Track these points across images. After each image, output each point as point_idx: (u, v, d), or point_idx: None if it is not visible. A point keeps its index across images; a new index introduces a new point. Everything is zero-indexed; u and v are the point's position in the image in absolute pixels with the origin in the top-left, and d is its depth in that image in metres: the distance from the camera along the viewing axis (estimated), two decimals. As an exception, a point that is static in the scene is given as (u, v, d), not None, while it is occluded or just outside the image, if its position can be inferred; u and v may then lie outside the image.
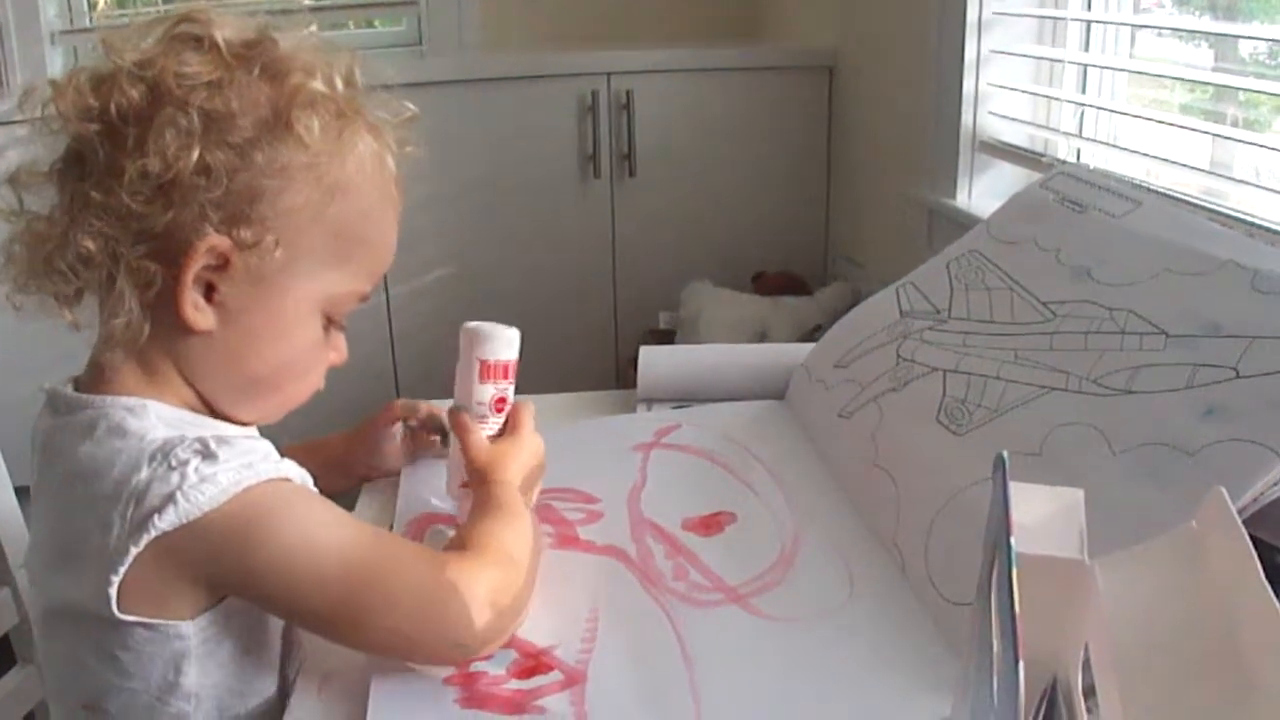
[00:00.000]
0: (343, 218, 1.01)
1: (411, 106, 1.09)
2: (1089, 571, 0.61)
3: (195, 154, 0.92)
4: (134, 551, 0.89)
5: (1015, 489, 0.63)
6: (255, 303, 0.99)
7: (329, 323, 1.07)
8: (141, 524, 0.89)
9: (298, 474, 1.00)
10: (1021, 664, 0.51)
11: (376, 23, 4.20)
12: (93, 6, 3.94)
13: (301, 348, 1.05)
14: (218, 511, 0.90)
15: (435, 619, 0.95)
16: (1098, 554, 0.63)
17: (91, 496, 0.92)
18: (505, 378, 1.20)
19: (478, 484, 1.14)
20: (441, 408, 1.36)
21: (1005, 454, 0.64)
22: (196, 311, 0.97)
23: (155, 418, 0.96)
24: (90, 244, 0.93)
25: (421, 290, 3.25)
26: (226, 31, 0.98)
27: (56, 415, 1.00)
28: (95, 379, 1.00)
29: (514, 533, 1.06)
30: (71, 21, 3.87)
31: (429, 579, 0.96)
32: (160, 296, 0.95)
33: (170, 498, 0.89)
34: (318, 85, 0.99)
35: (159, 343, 0.98)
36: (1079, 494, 0.67)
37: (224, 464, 0.91)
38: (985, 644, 0.62)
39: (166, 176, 0.92)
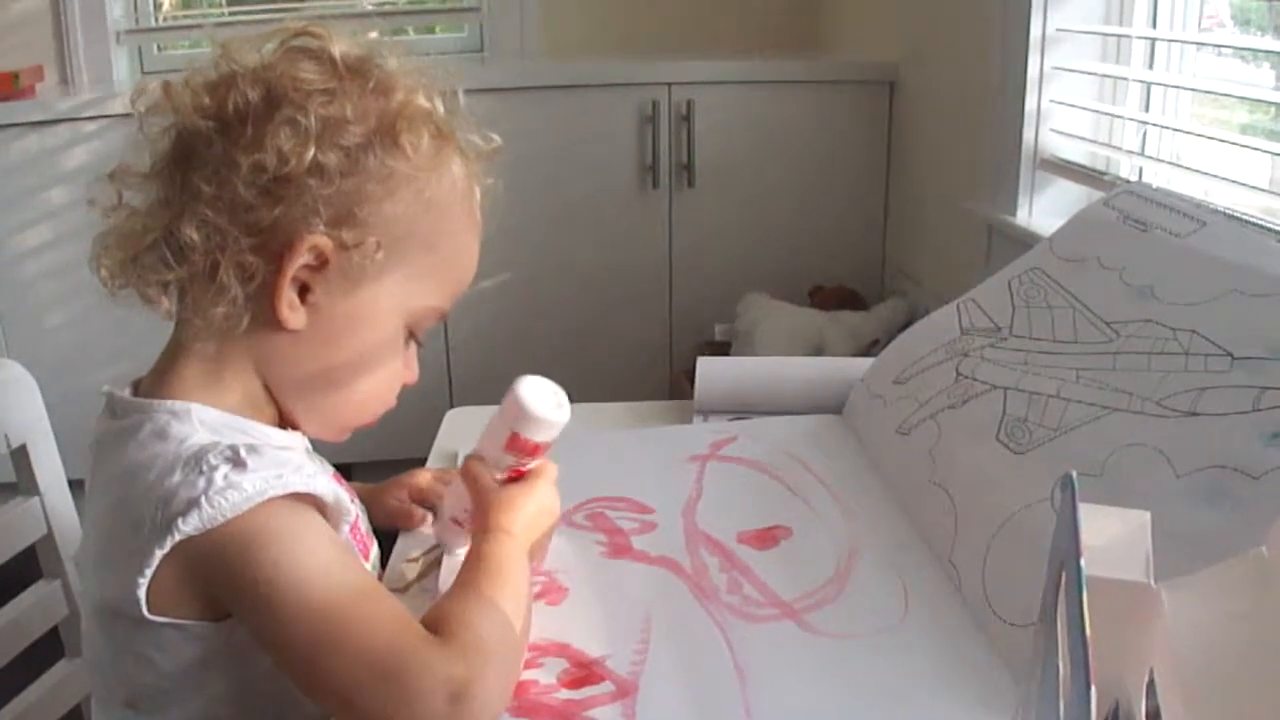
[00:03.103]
0: (434, 233, 1.05)
1: (497, 138, 1.12)
2: (1156, 595, 0.61)
3: (310, 153, 0.96)
4: (159, 554, 0.91)
5: (1082, 510, 0.62)
6: (345, 306, 1.02)
7: (409, 336, 1.09)
8: (167, 526, 0.90)
9: (329, 490, 1.00)
10: (1094, 688, 0.51)
11: (437, 29, 4.22)
12: (158, 7, 3.98)
13: (379, 355, 1.07)
14: (236, 521, 0.91)
15: (381, 695, 0.90)
16: (1159, 577, 0.62)
17: (128, 498, 0.94)
18: (533, 455, 1.13)
19: (478, 530, 1.08)
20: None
21: (1074, 474, 0.63)
22: (290, 310, 1.00)
23: (198, 422, 0.98)
24: (194, 234, 0.96)
25: (477, 296, 3.22)
26: (341, 46, 1.02)
27: (112, 418, 1.02)
28: (155, 380, 1.03)
29: (501, 612, 0.98)
30: (137, 21, 3.92)
31: (393, 654, 0.90)
32: (256, 291, 0.98)
33: (195, 502, 0.90)
34: (421, 102, 1.03)
35: (243, 338, 1.01)
36: (1146, 516, 0.66)
37: (252, 472, 0.92)
38: (1050, 666, 0.61)
39: (280, 172, 0.96)
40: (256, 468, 0.93)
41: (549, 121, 3.33)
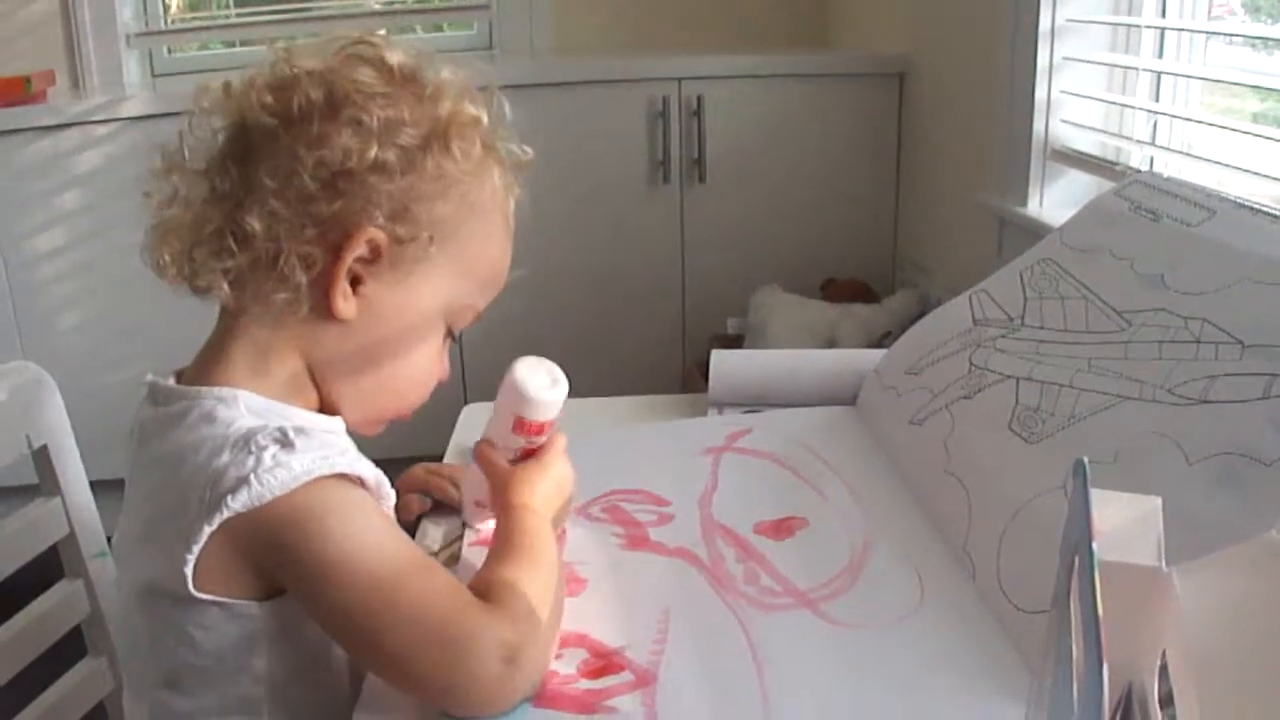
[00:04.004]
0: (476, 236, 1.10)
1: (530, 151, 1.15)
2: (1168, 579, 0.61)
3: (373, 151, 1.00)
4: (207, 530, 0.93)
5: (1093, 495, 0.63)
6: (393, 298, 1.06)
7: (447, 332, 1.13)
8: (216, 504, 0.93)
9: (372, 474, 1.02)
10: (1106, 667, 0.51)
11: (446, 27, 4.22)
12: (167, 9, 3.98)
13: (422, 349, 1.11)
14: (285, 499, 0.94)
15: (438, 661, 0.94)
16: (1171, 562, 0.62)
17: (175, 479, 0.97)
18: (539, 434, 1.17)
19: (499, 510, 1.13)
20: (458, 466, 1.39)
21: (1085, 460, 0.64)
22: (344, 300, 1.03)
23: (244, 408, 1.01)
24: (256, 224, 1.00)
25: (490, 293, 3.22)
26: (396, 55, 1.06)
27: (156, 406, 1.05)
28: (200, 368, 1.06)
29: (539, 580, 1.03)
30: (147, 24, 3.92)
31: (449, 621, 0.94)
32: (313, 281, 1.02)
33: (244, 480, 0.93)
34: (471, 111, 1.08)
35: (293, 326, 1.04)
36: (1157, 501, 0.66)
37: (300, 453, 0.95)
38: (1064, 651, 0.62)
39: (344, 167, 1.00)
40: (304, 449, 0.95)
41: (559, 119, 3.34)
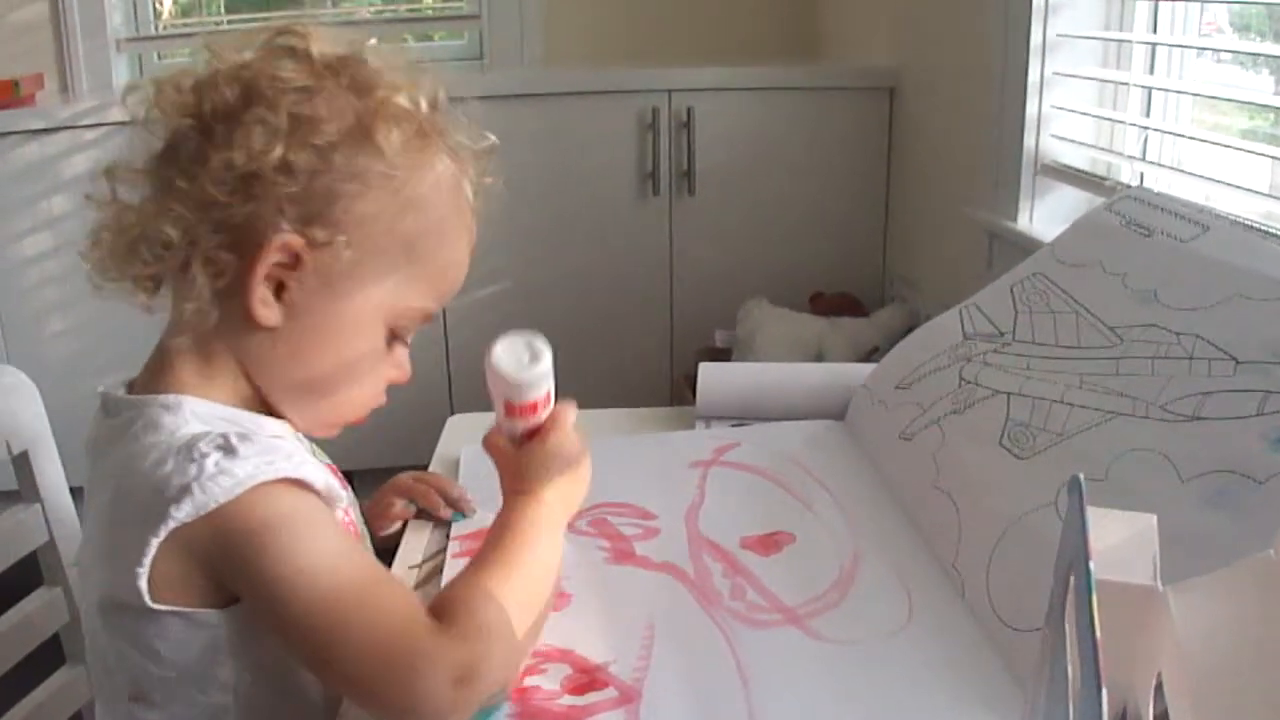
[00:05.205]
0: (415, 233, 1.04)
1: (491, 137, 1.12)
2: (1163, 598, 0.60)
3: (279, 151, 0.96)
4: (154, 542, 0.91)
5: (1089, 513, 0.62)
6: (321, 304, 1.02)
7: (393, 337, 1.09)
8: (162, 514, 0.91)
9: (320, 478, 0.99)
10: (1105, 691, 0.51)
11: (436, 36, 4.22)
12: (158, 15, 3.98)
13: (360, 355, 1.07)
14: (232, 505, 0.91)
15: (388, 681, 0.91)
16: (1165, 581, 0.62)
17: (123, 490, 0.95)
18: (534, 413, 1.10)
19: (504, 497, 1.08)
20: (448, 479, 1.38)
21: (1081, 477, 0.63)
22: (264, 307, 1.00)
23: (189, 414, 0.99)
24: (171, 230, 0.97)
25: (478, 303, 3.25)
26: (321, 45, 1.02)
27: (107, 417, 1.03)
28: (148, 377, 1.04)
29: (514, 583, 0.98)
30: (137, 29, 3.91)
31: (399, 641, 0.91)
32: (231, 288, 0.99)
33: (187, 489, 0.90)
34: (401, 101, 1.03)
35: (224, 334, 1.01)
36: (1152, 519, 0.66)
37: (243, 459, 0.93)
38: (1059, 670, 0.61)
39: (248, 169, 0.96)
40: (247, 455, 0.93)
41: (549, 129, 3.33)
